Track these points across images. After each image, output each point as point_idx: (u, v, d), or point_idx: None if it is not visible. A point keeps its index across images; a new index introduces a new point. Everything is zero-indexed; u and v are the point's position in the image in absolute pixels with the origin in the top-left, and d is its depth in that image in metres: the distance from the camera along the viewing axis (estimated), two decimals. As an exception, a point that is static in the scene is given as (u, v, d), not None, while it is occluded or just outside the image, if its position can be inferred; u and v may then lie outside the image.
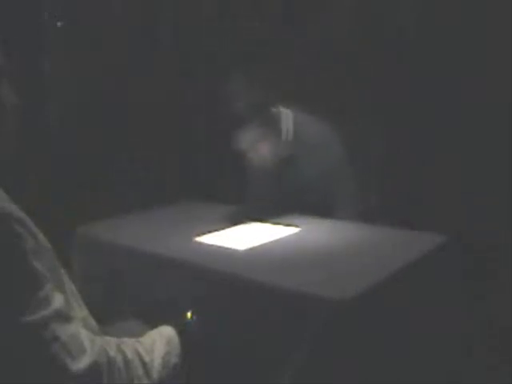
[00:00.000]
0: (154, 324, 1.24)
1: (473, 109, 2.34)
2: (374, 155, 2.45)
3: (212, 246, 1.70)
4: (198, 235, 1.80)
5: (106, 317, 1.34)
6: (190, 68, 3.17)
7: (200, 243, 1.74)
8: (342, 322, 1.26)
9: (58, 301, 0.96)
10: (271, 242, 1.71)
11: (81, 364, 0.93)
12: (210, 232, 1.84)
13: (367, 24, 2.60)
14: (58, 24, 2.72)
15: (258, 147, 2.04)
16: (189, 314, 1.31)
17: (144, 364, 1.06)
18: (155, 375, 1.08)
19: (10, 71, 1.14)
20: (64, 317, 0.96)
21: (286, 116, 2.09)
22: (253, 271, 1.46)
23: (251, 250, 1.65)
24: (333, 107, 2.25)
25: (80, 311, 1.14)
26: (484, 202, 2.33)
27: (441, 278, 1.63)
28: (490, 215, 2.33)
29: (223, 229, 1.89)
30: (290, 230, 1.85)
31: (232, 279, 1.45)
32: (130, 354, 1.04)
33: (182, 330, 1.22)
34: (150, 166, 3.02)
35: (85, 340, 0.96)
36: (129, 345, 1.08)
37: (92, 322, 1.20)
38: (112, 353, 1.01)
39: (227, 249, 1.67)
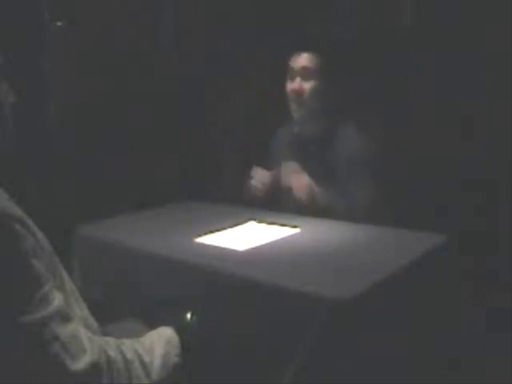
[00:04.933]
0: (153, 324, 1.24)
1: (472, 108, 2.34)
2: (373, 155, 2.45)
3: (212, 246, 1.70)
4: (198, 235, 1.80)
5: (106, 317, 1.34)
6: (190, 68, 3.17)
7: (200, 243, 1.75)
8: (342, 321, 1.26)
9: (57, 300, 0.96)
10: (271, 243, 1.71)
11: (80, 364, 0.93)
12: (209, 232, 1.84)
13: (368, 23, 2.60)
14: (58, 24, 2.71)
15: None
16: (189, 314, 1.31)
17: (144, 364, 1.06)
18: (155, 375, 1.08)
19: (9, 71, 1.14)
20: (64, 316, 0.96)
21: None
22: (253, 271, 1.46)
23: (251, 250, 1.65)
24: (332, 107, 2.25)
25: (80, 311, 1.15)
26: (484, 202, 2.33)
27: (440, 277, 1.63)
28: (489, 214, 2.33)
29: (223, 229, 1.89)
30: (290, 230, 1.85)
31: (232, 279, 1.45)
32: (129, 354, 1.04)
33: (182, 330, 1.22)
34: (150, 165, 3.02)
35: (84, 340, 0.96)
36: (128, 345, 1.08)
37: (92, 321, 1.20)
38: (112, 353, 1.01)
39: (227, 249, 1.67)
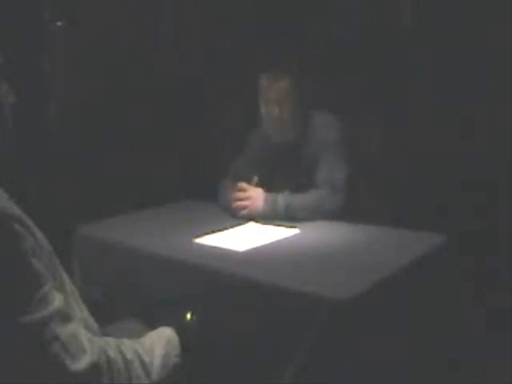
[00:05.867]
0: (153, 324, 1.24)
1: (472, 108, 2.34)
2: (373, 155, 2.45)
3: (212, 246, 1.70)
4: (198, 235, 1.80)
5: (106, 317, 1.34)
6: (190, 68, 3.17)
7: (200, 243, 1.75)
8: (342, 321, 1.26)
9: (57, 300, 0.96)
10: (271, 243, 1.71)
11: (80, 364, 0.92)
12: (209, 232, 1.84)
13: (368, 23, 2.60)
14: (58, 24, 2.72)
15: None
16: (189, 315, 1.31)
17: (144, 364, 1.06)
18: (155, 375, 1.08)
19: (9, 71, 1.14)
20: (64, 316, 0.95)
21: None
22: (252, 272, 1.46)
23: (251, 250, 1.65)
24: (332, 107, 2.25)
25: (80, 312, 1.14)
26: (484, 202, 2.33)
27: (440, 277, 1.63)
28: (489, 214, 2.33)
29: (223, 229, 1.89)
30: (290, 231, 1.85)
31: (232, 279, 1.45)
32: (129, 355, 1.04)
33: (182, 330, 1.22)
34: (150, 165, 3.02)
35: (84, 340, 0.96)
36: (128, 345, 1.07)
37: (92, 322, 1.19)
38: (112, 353, 1.01)
39: (227, 249, 1.67)
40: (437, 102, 2.44)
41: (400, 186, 2.44)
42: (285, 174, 2.13)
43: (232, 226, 1.93)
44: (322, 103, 2.20)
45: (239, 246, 1.68)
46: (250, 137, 2.34)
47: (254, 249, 1.66)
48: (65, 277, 1.13)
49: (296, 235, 1.81)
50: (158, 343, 1.14)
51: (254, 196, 2.01)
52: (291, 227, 1.87)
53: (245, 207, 2.00)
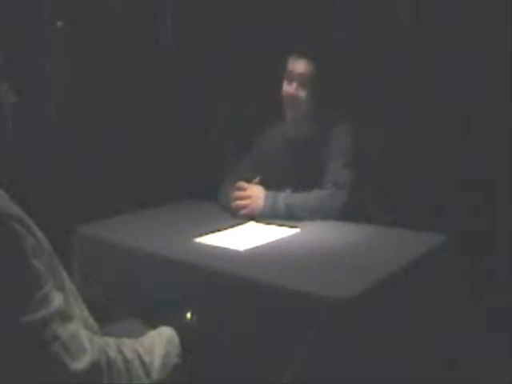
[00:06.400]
0: (154, 324, 1.25)
1: (471, 108, 2.34)
2: (373, 155, 2.45)
3: (212, 246, 1.70)
4: (198, 235, 1.80)
5: (106, 317, 1.34)
6: (190, 68, 3.17)
7: (200, 243, 1.75)
8: (342, 321, 1.26)
9: (57, 300, 0.96)
10: (271, 243, 1.71)
11: (81, 364, 0.93)
12: (210, 232, 1.84)
13: (367, 23, 2.60)
14: (58, 24, 2.72)
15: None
16: (189, 314, 1.32)
17: (144, 364, 1.06)
18: (155, 375, 1.08)
19: (9, 71, 1.14)
20: (64, 316, 0.96)
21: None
22: (253, 271, 1.46)
23: (251, 250, 1.65)
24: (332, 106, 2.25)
25: (80, 311, 1.15)
26: (482, 202, 2.33)
27: (440, 277, 1.63)
28: (488, 214, 2.33)
29: (223, 229, 1.89)
30: (290, 231, 1.85)
31: (232, 279, 1.45)
32: (129, 354, 1.04)
33: (182, 330, 1.22)
34: (150, 165, 3.02)
35: (85, 340, 0.96)
36: (128, 345, 1.08)
37: (92, 321, 1.20)
38: (112, 353, 1.01)
39: (227, 249, 1.67)
40: (436, 102, 2.44)
41: (399, 186, 2.44)
42: (295, 170, 2.14)
43: (232, 226, 1.93)
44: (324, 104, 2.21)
45: (239, 246, 1.68)
46: (259, 139, 2.35)
47: (254, 248, 1.66)
48: (65, 277, 1.13)
49: (296, 235, 1.81)
50: (158, 343, 1.14)
51: (254, 195, 2.02)
52: (292, 227, 1.88)
53: (245, 206, 2.01)
